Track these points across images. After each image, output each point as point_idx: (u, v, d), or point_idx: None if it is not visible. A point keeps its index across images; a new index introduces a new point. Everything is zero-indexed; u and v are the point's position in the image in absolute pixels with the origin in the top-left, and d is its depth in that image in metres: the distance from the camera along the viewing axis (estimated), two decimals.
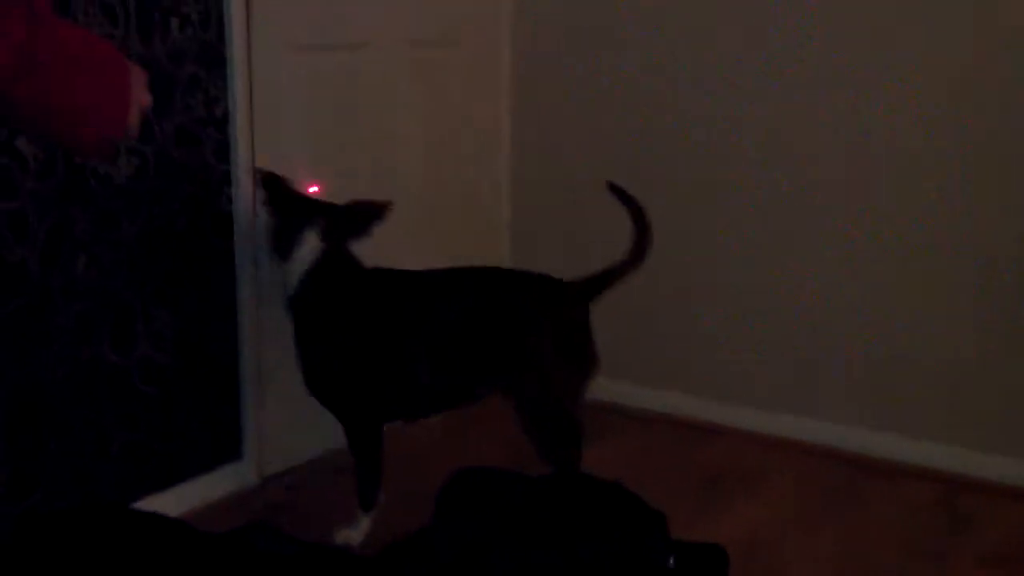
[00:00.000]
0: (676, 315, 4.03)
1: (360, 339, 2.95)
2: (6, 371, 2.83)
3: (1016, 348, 3.49)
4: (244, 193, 3.27)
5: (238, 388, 3.39)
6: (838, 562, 3.08)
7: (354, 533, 3.07)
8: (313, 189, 3.12)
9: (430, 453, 3.36)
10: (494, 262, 4.09)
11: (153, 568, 2.34)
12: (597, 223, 4.08)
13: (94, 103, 1.76)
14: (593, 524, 2.46)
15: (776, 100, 3.76)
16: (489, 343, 2.92)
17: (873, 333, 3.70)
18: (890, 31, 3.57)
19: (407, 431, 3.35)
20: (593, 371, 2.99)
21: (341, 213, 2.99)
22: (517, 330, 2.90)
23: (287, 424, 3.50)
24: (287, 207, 3.01)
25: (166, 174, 3.11)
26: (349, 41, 3.56)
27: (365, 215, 2.99)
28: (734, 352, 3.94)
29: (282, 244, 2.99)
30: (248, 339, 3.36)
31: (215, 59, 3.19)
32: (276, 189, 3.02)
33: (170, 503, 3.12)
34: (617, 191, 3.04)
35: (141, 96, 1.86)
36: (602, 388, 3.28)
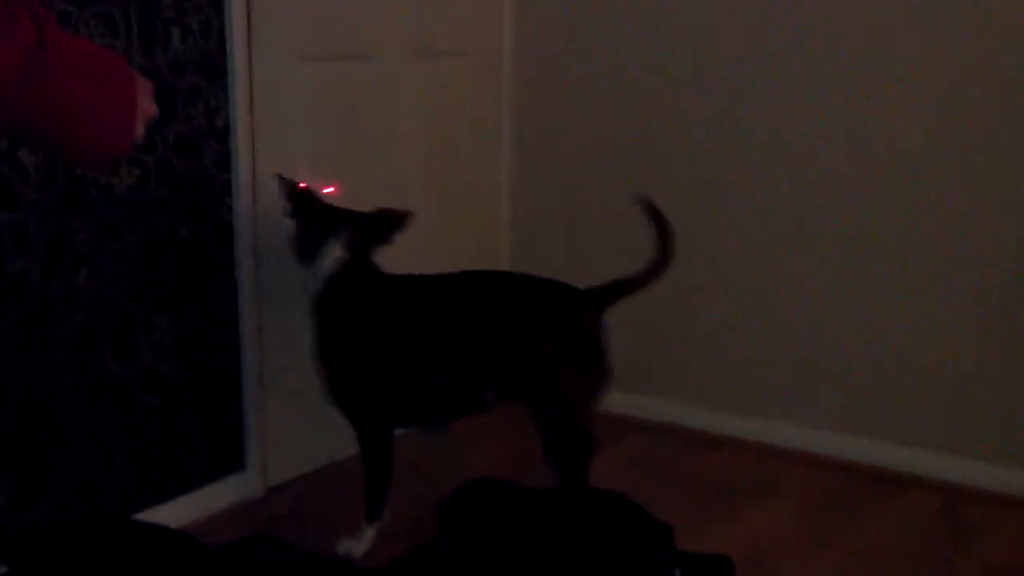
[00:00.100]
0: (674, 318, 4.02)
1: (377, 343, 2.97)
2: (8, 382, 2.82)
3: (1017, 350, 3.49)
4: (245, 203, 3.27)
5: (240, 398, 3.39)
6: (843, 572, 3.08)
7: (357, 544, 3.07)
8: (328, 190, 3.16)
9: (433, 464, 3.35)
10: (494, 262, 4.11)
11: None
12: (597, 223, 4.10)
13: (100, 111, 1.75)
14: (599, 536, 2.47)
15: (776, 100, 3.75)
16: (499, 349, 2.92)
17: (873, 335, 3.69)
18: (890, 31, 3.57)
19: (413, 441, 3.35)
20: (606, 381, 2.98)
21: (365, 222, 3.02)
22: (526, 337, 2.91)
23: (290, 435, 3.49)
24: (312, 216, 3.04)
25: (167, 184, 3.10)
26: (350, 51, 3.55)
27: (388, 224, 3.03)
28: (732, 354, 3.94)
29: (307, 252, 3.03)
30: (250, 349, 3.36)
31: (216, 69, 3.18)
32: (300, 198, 3.05)
33: (174, 514, 3.12)
34: (649, 209, 2.99)
35: (147, 106, 1.85)
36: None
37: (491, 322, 2.93)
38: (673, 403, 4.04)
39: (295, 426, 3.49)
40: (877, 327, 3.69)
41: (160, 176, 3.08)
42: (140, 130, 1.81)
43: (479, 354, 2.94)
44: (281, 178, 3.07)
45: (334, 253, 2.99)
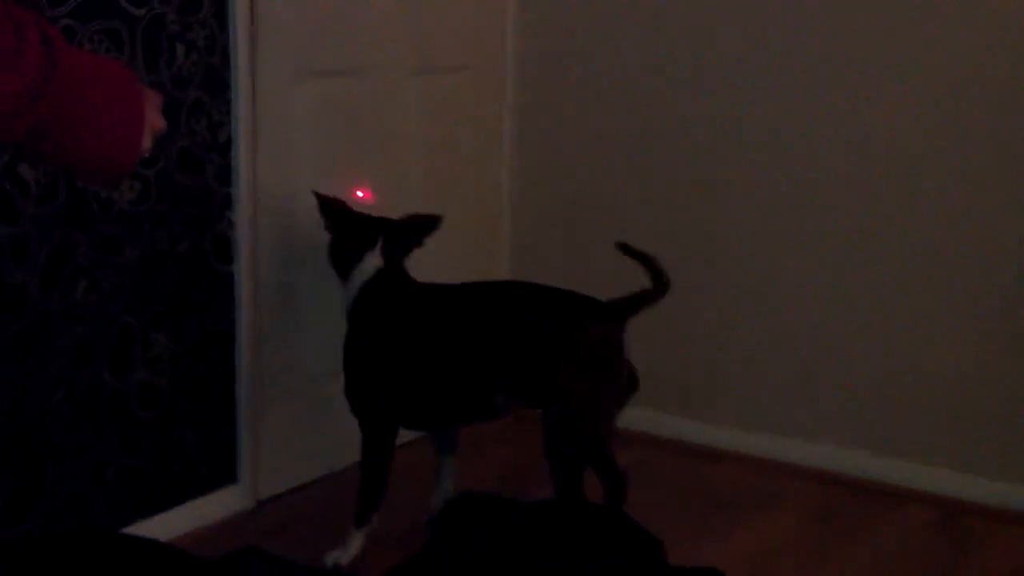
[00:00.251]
0: (674, 319, 3.98)
1: (406, 348, 3.03)
2: (4, 394, 2.84)
3: (1017, 351, 3.49)
4: (245, 217, 3.29)
5: (234, 412, 3.39)
6: None
7: (343, 553, 3.08)
8: (360, 194, 3.24)
9: (421, 476, 3.35)
10: (494, 262, 4.13)
11: None
12: (598, 224, 4.08)
13: (108, 127, 1.74)
14: (591, 549, 2.49)
15: (776, 100, 3.74)
16: (520, 358, 2.95)
17: (873, 336, 3.68)
18: (890, 31, 3.56)
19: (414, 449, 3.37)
20: (627, 394, 2.99)
21: (399, 229, 3.10)
22: (545, 347, 2.93)
23: (283, 448, 3.51)
24: (349, 228, 3.10)
25: (168, 198, 3.12)
26: (353, 66, 3.56)
27: (421, 228, 3.12)
28: (731, 364, 3.91)
29: (344, 263, 3.10)
30: (245, 363, 3.37)
31: (219, 84, 3.20)
32: (334, 212, 3.10)
33: (165, 527, 3.13)
34: (625, 250, 3.02)
35: (155, 120, 1.85)
36: None
37: (514, 331, 2.97)
38: (672, 416, 4.00)
39: (288, 439, 3.51)
40: (877, 328, 3.68)
41: (162, 190, 3.10)
42: (148, 144, 1.81)
43: (500, 362, 2.97)
44: (317, 195, 3.11)
45: (372, 262, 3.06)
